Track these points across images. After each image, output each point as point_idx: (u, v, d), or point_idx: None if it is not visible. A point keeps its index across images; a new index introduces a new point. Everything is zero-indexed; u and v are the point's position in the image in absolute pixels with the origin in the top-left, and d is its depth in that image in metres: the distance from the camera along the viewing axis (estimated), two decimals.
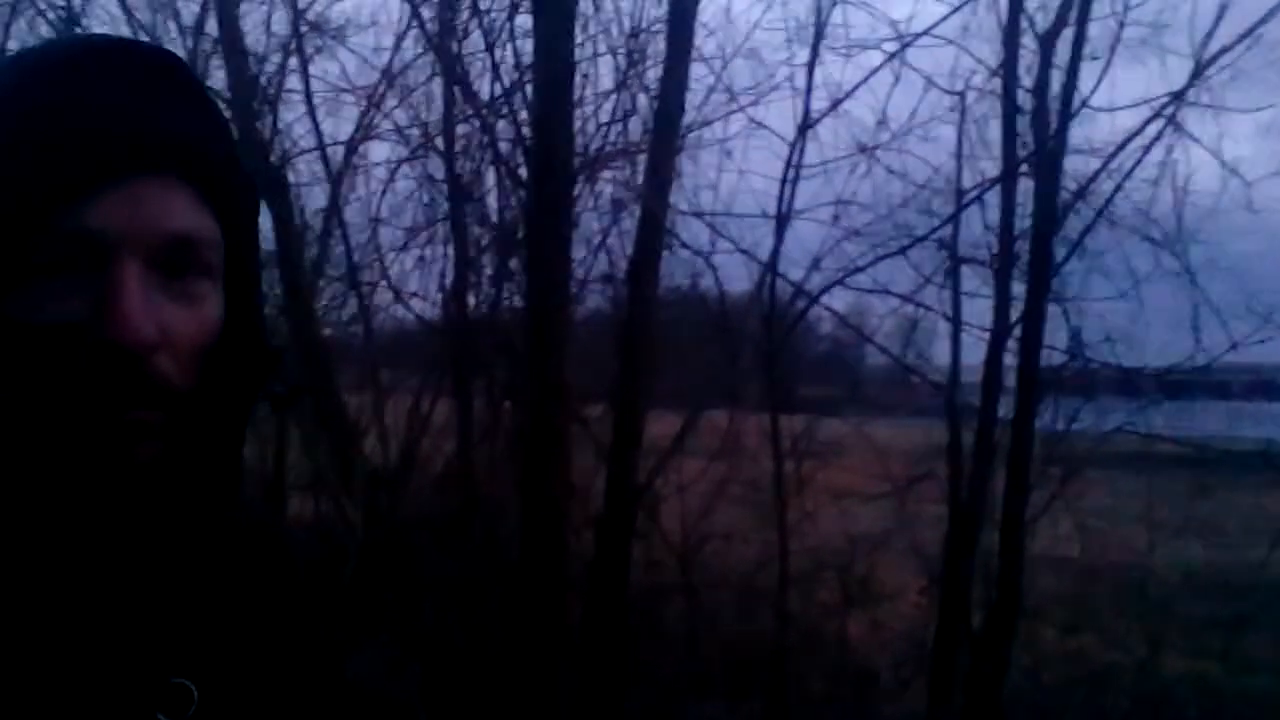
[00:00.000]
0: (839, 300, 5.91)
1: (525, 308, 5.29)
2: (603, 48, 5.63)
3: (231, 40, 4.88)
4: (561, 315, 5.30)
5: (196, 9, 6.19)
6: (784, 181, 5.37)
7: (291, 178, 6.60)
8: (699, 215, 5.93)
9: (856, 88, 5.26)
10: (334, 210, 7.09)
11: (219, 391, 0.67)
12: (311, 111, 5.68)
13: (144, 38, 6.49)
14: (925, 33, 5.19)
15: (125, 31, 6.21)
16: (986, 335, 5.37)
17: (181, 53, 6.81)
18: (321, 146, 5.94)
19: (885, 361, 6.23)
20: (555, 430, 5.29)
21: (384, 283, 6.82)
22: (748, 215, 5.56)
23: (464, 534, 5.60)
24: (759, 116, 5.60)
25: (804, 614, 5.45)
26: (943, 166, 5.49)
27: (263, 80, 6.26)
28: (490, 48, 5.22)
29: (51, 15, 5.76)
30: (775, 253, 5.38)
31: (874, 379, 9.39)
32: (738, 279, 5.63)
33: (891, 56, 5.21)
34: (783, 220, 5.41)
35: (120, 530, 0.64)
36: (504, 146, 5.73)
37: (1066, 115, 5.20)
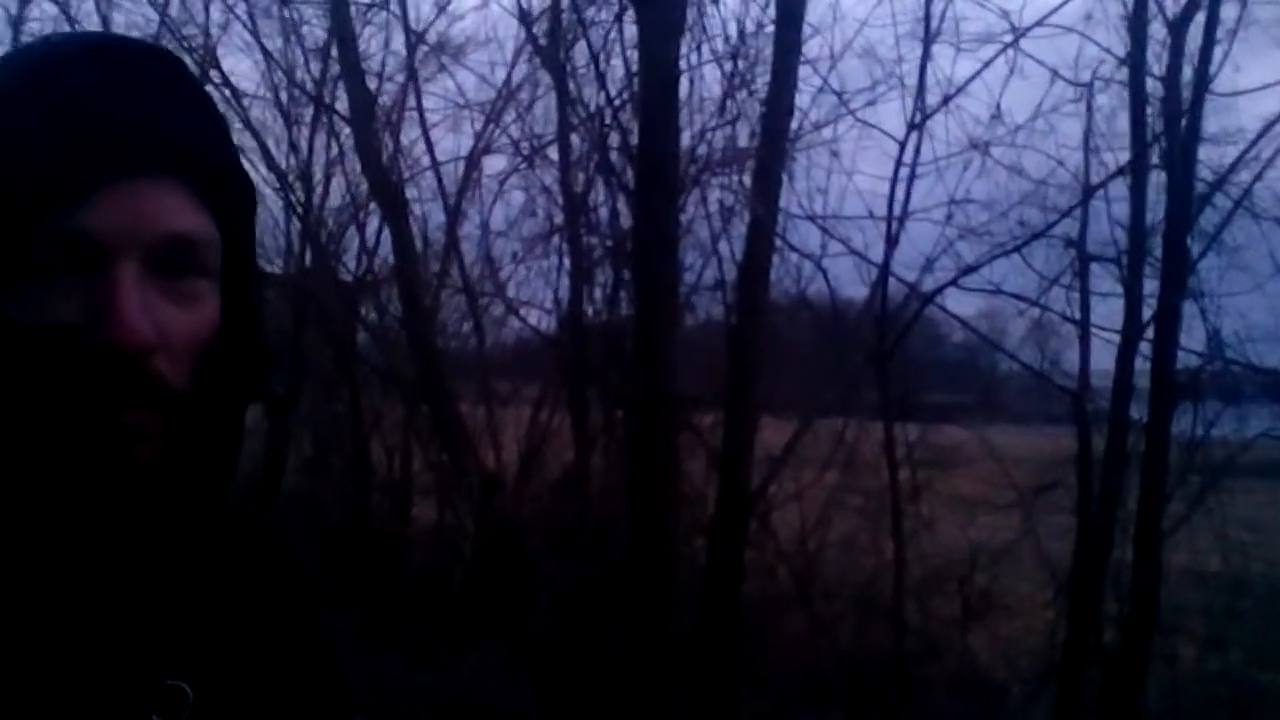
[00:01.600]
0: (968, 304, 5.76)
1: (634, 316, 5.32)
2: (709, 53, 5.62)
3: (350, 62, 5.06)
4: (670, 323, 5.30)
5: (322, 34, 6.51)
6: (894, 181, 5.24)
7: (414, 194, 6.85)
8: (811, 219, 5.84)
9: (969, 82, 5.10)
10: (453, 224, 7.30)
11: (215, 392, 0.67)
12: (425, 130, 5.83)
13: (278, 63, 6.83)
14: (1040, 22, 4.99)
15: (257, 58, 6.55)
16: (1117, 337, 5.12)
17: (309, 78, 7.14)
18: (435, 164, 6.10)
19: (1019, 367, 5.99)
20: (665, 438, 5.29)
21: (501, 295, 6.98)
22: (858, 217, 5.45)
23: (578, 541, 5.66)
24: (868, 115, 5.47)
25: (923, 625, 5.29)
26: (1066, 160, 5.27)
27: (385, 100, 6.51)
28: (595, 58, 5.26)
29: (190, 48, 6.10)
30: (887, 254, 5.25)
31: (1009, 385, 9.06)
32: (849, 283, 5.53)
33: (1006, 47, 5.03)
34: (894, 221, 5.28)
35: (116, 532, 0.64)
36: (613, 157, 5.76)
37: (1199, 103, 4.92)
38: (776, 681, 5.32)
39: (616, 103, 5.30)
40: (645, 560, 5.12)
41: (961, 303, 5.76)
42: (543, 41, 6.27)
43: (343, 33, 5.10)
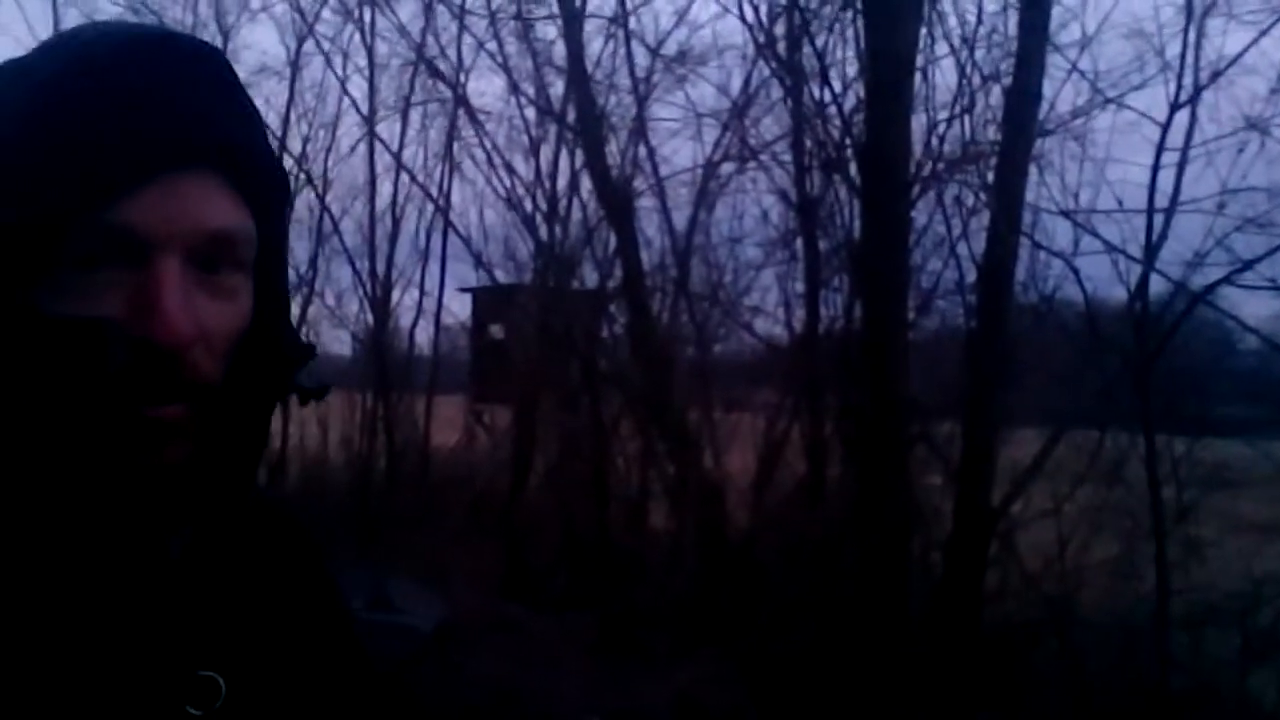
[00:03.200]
0: (1257, 305, 5.14)
1: (862, 321, 5.11)
2: (945, 45, 5.34)
3: (578, 76, 5.17)
4: (900, 328, 5.07)
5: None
6: (1155, 169, 4.75)
7: (652, 202, 6.93)
8: (1063, 214, 5.40)
9: (1243, 53, 4.54)
10: (691, 232, 7.32)
11: (248, 384, 0.67)
12: (647, 142, 5.87)
13: (515, 83, 7.10)
14: None
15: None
16: None
17: (546, 95, 7.37)
18: (656, 175, 6.12)
19: None
20: (894, 449, 5.05)
21: (735, 302, 6.93)
22: (1116, 210, 4.97)
23: (809, 553, 5.49)
24: (1127, 98, 5.00)
25: (1193, 662, 4.73)
26: None
27: (618, 110, 6.62)
28: (820, 54, 5.11)
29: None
30: (1149, 249, 4.76)
31: None
32: (1104, 282, 5.05)
33: None
34: (1158, 213, 4.79)
35: (147, 526, 0.64)
36: (840, 156, 5.58)
37: None
38: (1021, 711, 4.92)
39: (845, 99, 5.10)
40: (874, 575, 4.90)
41: (1246, 303, 5.13)
42: (778, 45, 6.19)
43: (571, 48, 5.22)
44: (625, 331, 5.09)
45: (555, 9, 5.36)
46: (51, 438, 0.60)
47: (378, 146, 9.37)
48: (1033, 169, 5.21)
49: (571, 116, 6.10)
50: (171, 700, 0.64)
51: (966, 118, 5.34)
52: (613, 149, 5.92)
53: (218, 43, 9.27)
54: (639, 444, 7.54)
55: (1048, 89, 5.14)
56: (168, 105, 0.62)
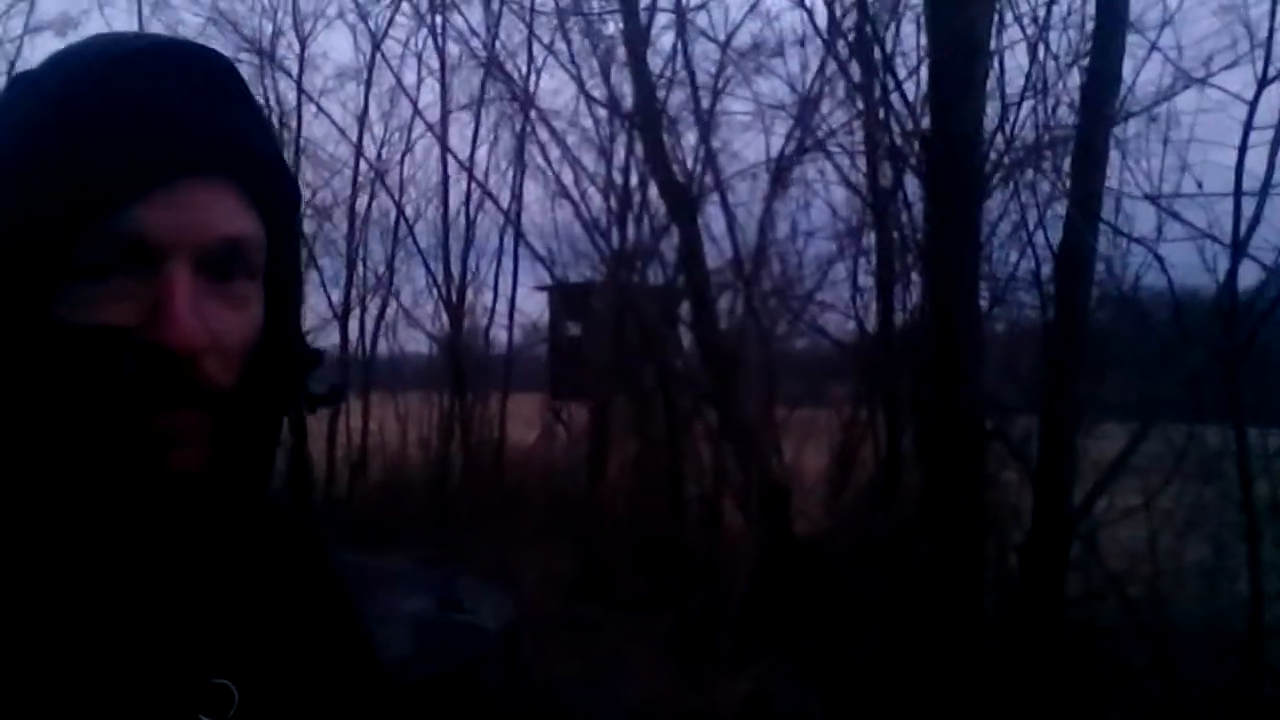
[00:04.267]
0: None
1: (932, 315, 4.95)
2: (1018, 28, 5.12)
3: (637, 71, 5.11)
4: (971, 320, 4.90)
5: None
6: (1243, 149, 4.49)
7: (721, 198, 6.84)
8: (1149, 199, 5.15)
9: None
10: (763, 226, 7.21)
11: (259, 391, 0.67)
12: (705, 136, 5.78)
13: (576, 79, 7.08)
14: None
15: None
16: None
17: (597, 83, 7.32)
18: (713, 170, 6.02)
19: None
20: (971, 446, 4.89)
21: (807, 297, 6.80)
22: (1203, 194, 4.72)
23: (881, 553, 5.35)
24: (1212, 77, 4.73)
25: None
26: None
27: (688, 104, 6.54)
28: (879, 41, 4.95)
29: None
30: (1237, 235, 4.51)
31: None
32: (1190, 271, 4.80)
33: None
34: (1248, 196, 4.53)
35: (160, 533, 0.65)
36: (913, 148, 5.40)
37: None
38: (1105, 718, 4.71)
39: (914, 87, 4.94)
40: (948, 577, 4.75)
41: None
42: (847, 34, 6.04)
43: (631, 43, 5.16)
44: (689, 329, 5.00)
45: (616, 4, 5.31)
46: (65, 445, 0.61)
47: (450, 147, 9.45)
48: (1113, 154, 4.99)
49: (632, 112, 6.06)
50: (185, 708, 0.65)
51: (1042, 102, 5.11)
52: (684, 144, 5.84)
53: (294, 50, 9.56)
54: (712, 443, 7.45)
55: (1128, 70, 4.91)
56: (175, 112, 0.62)
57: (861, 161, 6.53)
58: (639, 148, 7.66)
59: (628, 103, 6.62)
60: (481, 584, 6.36)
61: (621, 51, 5.54)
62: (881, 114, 5.70)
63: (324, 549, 0.84)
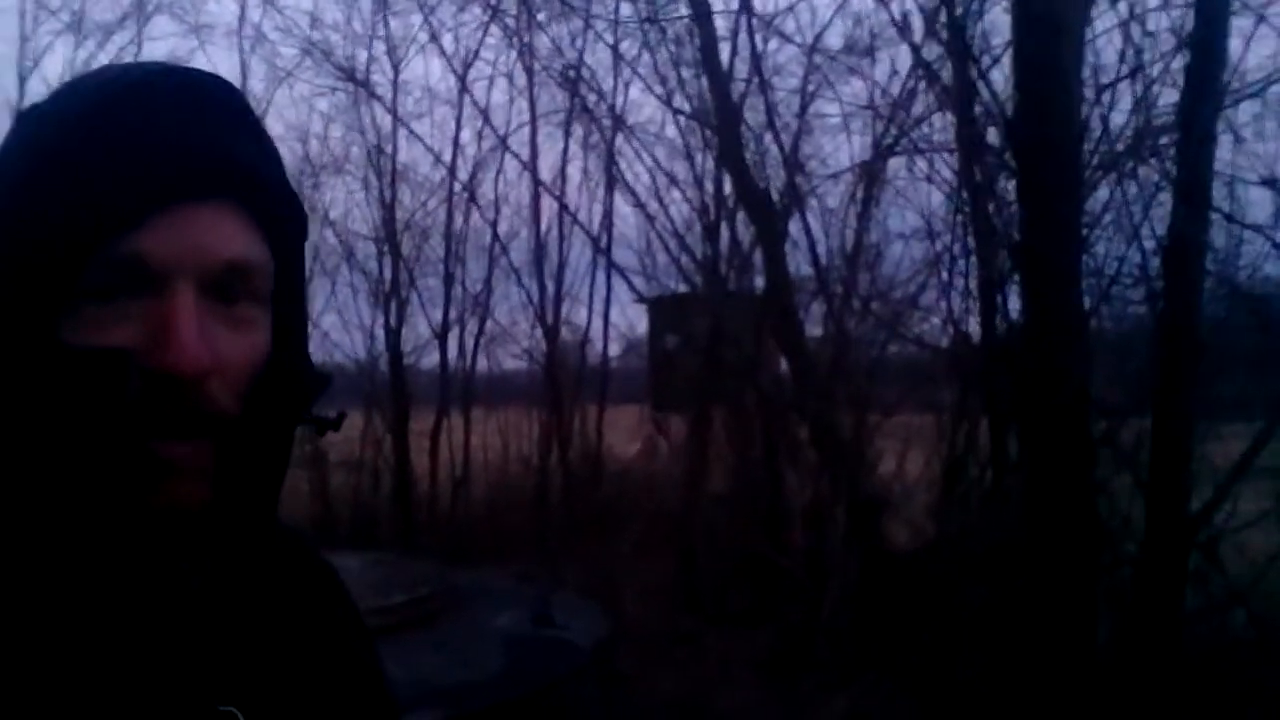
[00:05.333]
0: None
1: (1030, 315, 4.71)
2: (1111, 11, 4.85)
3: (712, 72, 5.03)
4: (1076, 319, 4.64)
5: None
6: None
7: (811, 203, 6.69)
8: (1266, 183, 4.83)
9: None
10: (859, 230, 7.04)
11: (265, 416, 0.67)
12: (776, 135, 5.63)
13: (651, 89, 7.02)
14: None
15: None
16: None
17: (679, 92, 7.24)
18: (790, 170, 5.87)
19: None
20: (1078, 452, 4.63)
21: (902, 300, 6.59)
22: None
23: (983, 566, 5.11)
24: None
25: None
26: None
27: (769, 110, 6.42)
28: (959, 27, 4.74)
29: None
30: None
31: None
32: None
33: None
34: None
35: (165, 560, 0.65)
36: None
37: None
38: None
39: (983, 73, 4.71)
40: (1056, 592, 4.49)
41: None
42: (938, 29, 5.85)
43: (705, 42, 5.08)
44: (773, 337, 4.88)
45: (687, 9, 5.25)
46: (69, 468, 0.61)
47: (540, 165, 9.53)
48: (1225, 138, 4.68)
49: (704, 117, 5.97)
50: None
51: (1142, 86, 4.82)
52: (771, 149, 5.73)
53: (388, 75, 9.78)
54: (808, 456, 7.29)
55: (1235, 49, 4.60)
56: (180, 137, 0.63)
57: (956, 159, 6.29)
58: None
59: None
60: (576, 599, 6.35)
61: (699, 59, 5.48)
62: (974, 108, 5.48)
63: (337, 577, 0.85)
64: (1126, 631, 4.55)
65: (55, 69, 9.67)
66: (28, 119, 0.67)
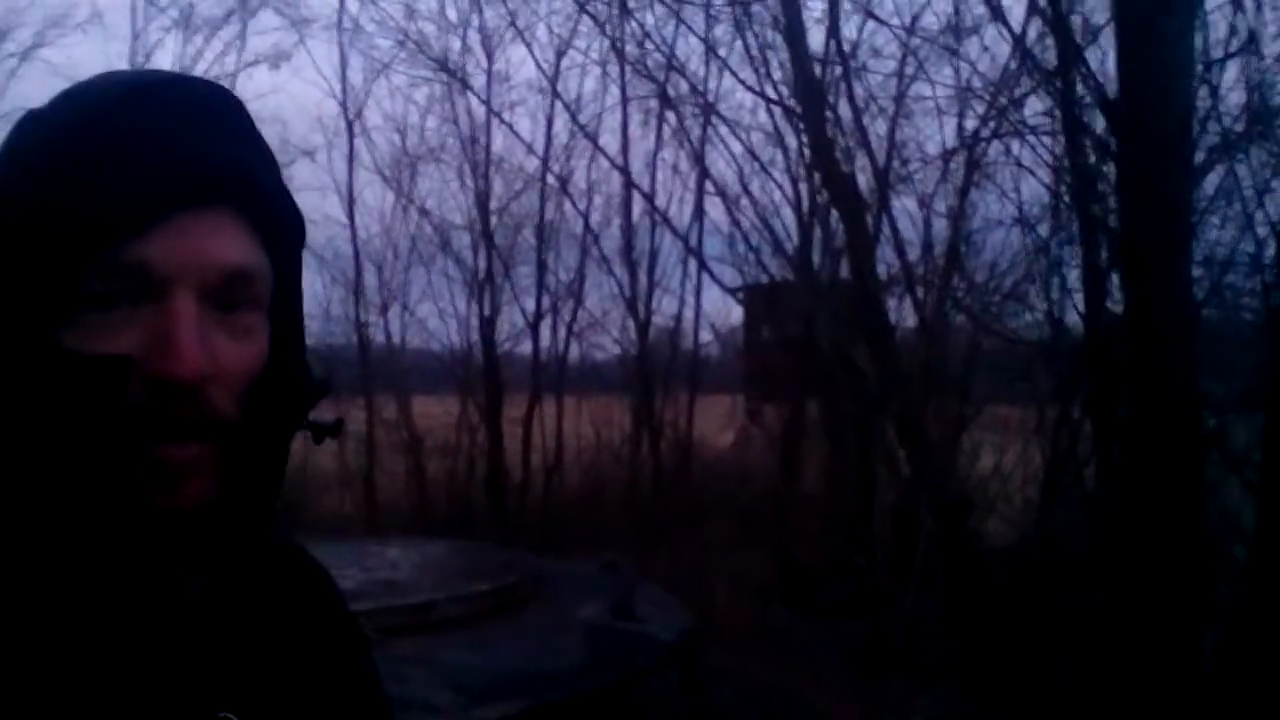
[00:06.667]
0: None
1: (1133, 307, 4.47)
2: None
3: (797, 58, 4.90)
4: (1183, 313, 4.39)
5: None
6: None
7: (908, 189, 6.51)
8: None
9: None
10: (959, 217, 6.83)
11: (264, 423, 0.68)
12: (856, 119, 5.45)
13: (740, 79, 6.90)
14: None
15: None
16: None
17: (767, 79, 7.10)
18: (869, 162, 5.68)
19: None
20: (1184, 453, 4.39)
21: (1001, 291, 6.36)
22: None
23: (1080, 571, 4.90)
24: None
25: None
26: None
27: (852, 94, 6.25)
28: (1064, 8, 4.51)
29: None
30: None
31: None
32: None
33: None
34: None
35: (165, 565, 0.65)
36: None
37: None
38: None
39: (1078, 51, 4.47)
40: (1158, 598, 4.28)
41: None
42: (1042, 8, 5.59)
43: (791, 29, 4.95)
44: (857, 328, 4.75)
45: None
46: (70, 473, 0.62)
47: (631, 155, 9.52)
48: None
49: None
50: None
51: (1256, 62, 4.52)
52: (866, 135, 5.57)
53: (482, 65, 9.87)
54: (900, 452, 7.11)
55: None
56: (180, 145, 0.64)
57: (1055, 144, 6.03)
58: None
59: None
60: (659, 592, 6.31)
61: (786, 43, 5.35)
62: (1076, 88, 5.23)
63: (332, 583, 0.85)
64: (1234, 643, 4.30)
65: (166, 64, 10.01)
66: (28, 123, 0.67)
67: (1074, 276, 6.21)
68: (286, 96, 18.60)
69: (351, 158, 10.16)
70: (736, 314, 10.26)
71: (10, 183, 0.64)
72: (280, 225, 0.68)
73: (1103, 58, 4.95)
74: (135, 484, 0.62)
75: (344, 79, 10.15)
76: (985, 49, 6.11)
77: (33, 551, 0.62)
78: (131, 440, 0.61)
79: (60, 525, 0.62)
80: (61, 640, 0.61)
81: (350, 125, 10.14)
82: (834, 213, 6.97)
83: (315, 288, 10.88)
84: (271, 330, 0.69)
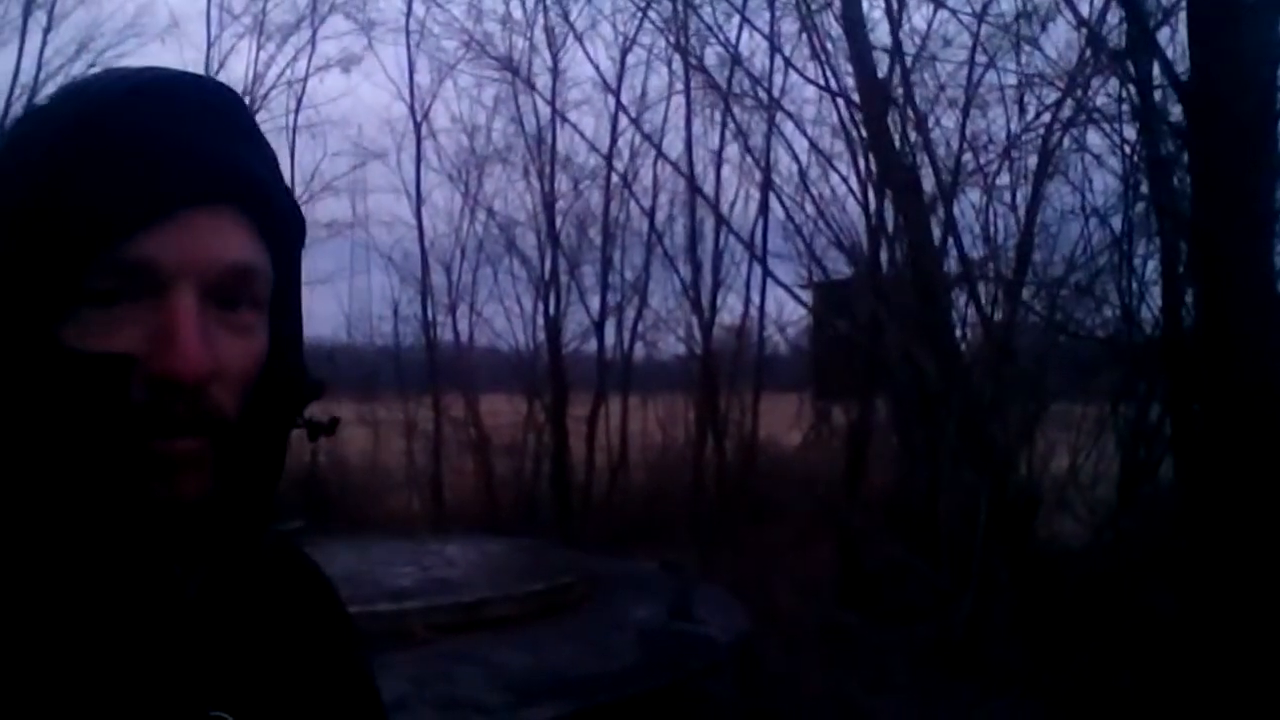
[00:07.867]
0: None
1: (1207, 301, 4.28)
2: None
3: (857, 49, 4.79)
4: (1260, 307, 4.19)
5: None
6: None
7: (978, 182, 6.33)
8: None
9: None
10: (1032, 208, 6.62)
11: (263, 420, 0.68)
12: (908, 111, 5.30)
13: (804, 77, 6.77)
14: None
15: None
16: None
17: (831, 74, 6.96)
18: (929, 156, 5.51)
19: None
20: (1260, 452, 4.19)
21: (1072, 286, 6.14)
22: None
23: (1151, 573, 4.70)
24: None
25: None
26: None
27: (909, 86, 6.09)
28: None
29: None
30: None
31: None
32: None
33: None
34: None
35: (163, 561, 0.65)
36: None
37: None
38: None
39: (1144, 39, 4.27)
40: (1235, 602, 4.09)
41: None
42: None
43: (851, 21, 4.83)
44: (914, 325, 4.61)
45: None
46: (70, 471, 0.62)
47: (695, 153, 9.45)
48: None
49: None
50: None
51: None
52: (928, 128, 5.41)
53: (547, 64, 9.89)
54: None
55: None
56: (182, 143, 0.64)
57: (1130, 134, 5.80)
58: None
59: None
60: (719, 593, 6.24)
61: (846, 36, 5.24)
62: (1152, 75, 5.02)
63: (329, 583, 0.85)
64: None
65: (239, 71, 10.21)
66: (31, 119, 0.68)
67: (1150, 268, 5.99)
68: (358, 100, 18.90)
69: (419, 159, 10.28)
70: (801, 312, 10.13)
71: (12, 179, 0.65)
72: (281, 224, 0.69)
73: (1170, 38, 4.74)
74: (134, 480, 0.62)
75: (411, 81, 10.28)
76: (1045, 30, 5.89)
77: (31, 548, 0.63)
78: (132, 436, 0.61)
79: (60, 522, 0.63)
80: (58, 638, 0.62)
81: (418, 127, 10.27)
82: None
83: (384, 288, 11.07)
84: (271, 329, 0.69)
